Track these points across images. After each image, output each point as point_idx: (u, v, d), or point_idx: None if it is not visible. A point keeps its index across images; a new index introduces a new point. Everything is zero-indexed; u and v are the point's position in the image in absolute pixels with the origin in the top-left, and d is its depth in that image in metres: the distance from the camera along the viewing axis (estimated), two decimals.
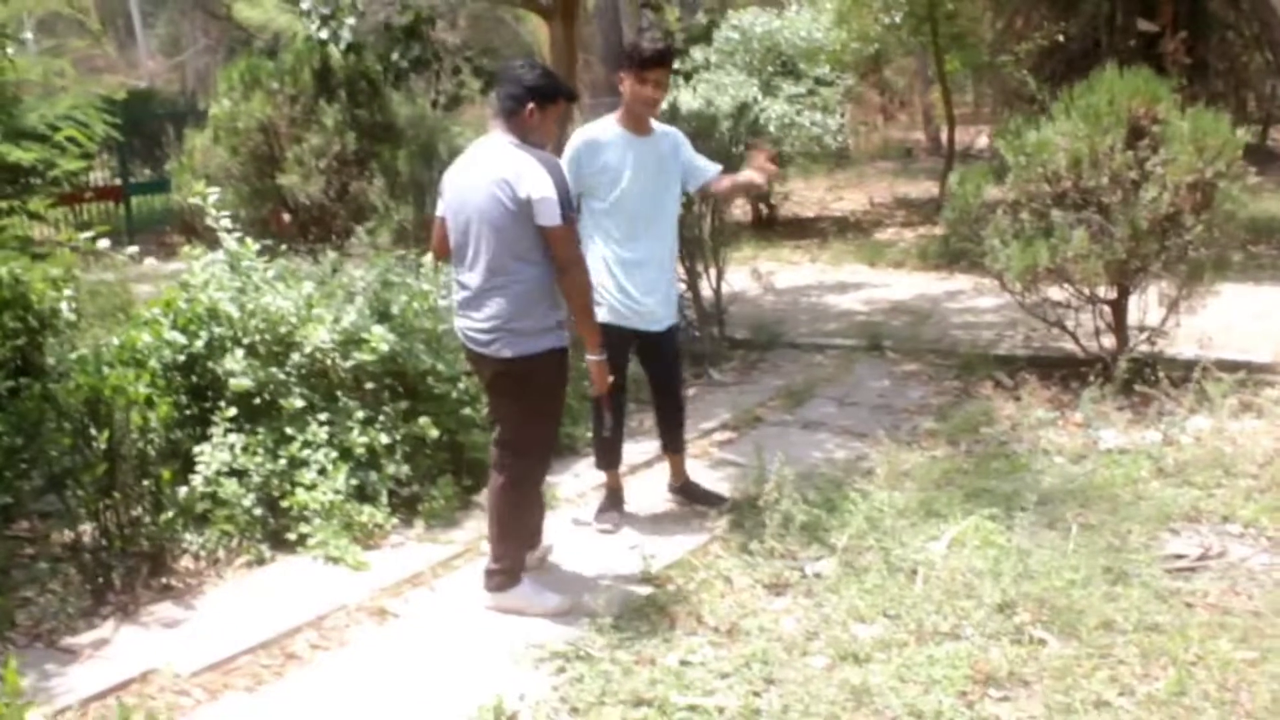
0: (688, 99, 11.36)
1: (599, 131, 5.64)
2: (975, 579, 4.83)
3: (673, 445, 6.10)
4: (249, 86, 9.48)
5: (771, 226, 15.30)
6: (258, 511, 5.58)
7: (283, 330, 5.97)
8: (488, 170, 4.73)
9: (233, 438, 5.68)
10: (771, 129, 12.81)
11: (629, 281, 5.61)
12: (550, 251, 4.72)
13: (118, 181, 18.21)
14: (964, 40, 16.61)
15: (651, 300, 5.66)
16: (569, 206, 4.73)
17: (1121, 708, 3.96)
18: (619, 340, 5.56)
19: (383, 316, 6.29)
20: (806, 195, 17.17)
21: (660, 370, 5.96)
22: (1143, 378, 6.96)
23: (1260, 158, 18.27)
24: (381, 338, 5.96)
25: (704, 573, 5.18)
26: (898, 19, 15.06)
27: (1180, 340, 7.37)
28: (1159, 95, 7.11)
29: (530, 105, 4.75)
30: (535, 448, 4.99)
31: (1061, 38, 17.39)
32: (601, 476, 6.07)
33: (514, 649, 4.55)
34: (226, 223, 6.30)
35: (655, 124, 5.78)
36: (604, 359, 5.00)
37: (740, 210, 15.87)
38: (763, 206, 15.48)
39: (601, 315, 5.33)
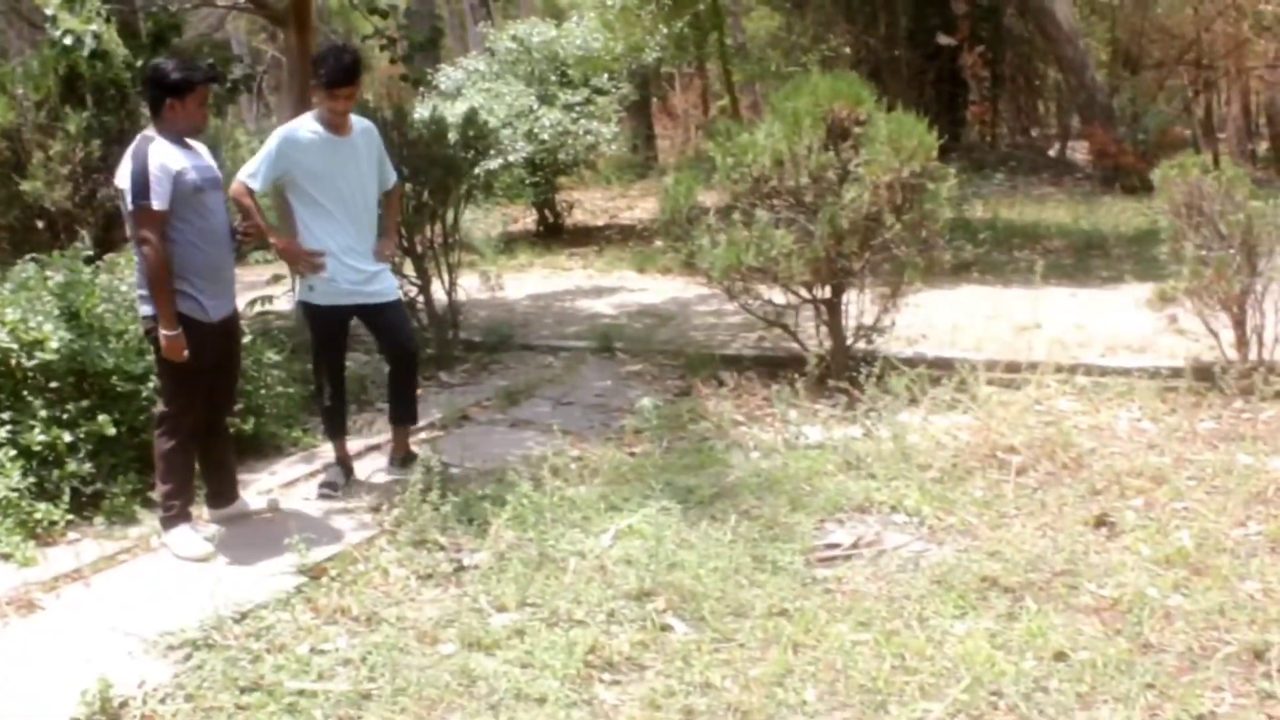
0: (461, 108, 11.31)
1: (298, 129, 5.87)
2: (624, 569, 4.87)
3: (400, 418, 6.29)
4: None
5: (557, 235, 15.34)
6: None
7: None
8: None
9: None
10: (545, 138, 12.84)
11: (337, 265, 5.85)
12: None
13: None
14: (746, 50, 16.86)
15: (357, 280, 5.91)
16: (142, 194, 5.08)
17: (725, 689, 4.00)
18: (332, 319, 6.03)
19: (72, 316, 6.24)
20: (600, 204, 17.23)
21: (390, 338, 6.15)
22: (851, 376, 7.07)
23: (1059, 169, 18.93)
24: (51, 335, 5.92)
25: (363, 564, 5.16)
26: (679, 28, 15.19)
27: (902, 339, 7.55)
28: (861, 98, 7.30)
29: (169, 100, 5.24)
30: (169, 398, 5.44)
31: (849, 49, 17.79)
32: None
33: (147, 639, 4.48)
34: None
35: (353, 118, 5.99)
36: (175, 334, 5.20)
37: (529, 218, 15.91)
38: (548, 214, 15.50)
39: (314, 297, 5.92)
